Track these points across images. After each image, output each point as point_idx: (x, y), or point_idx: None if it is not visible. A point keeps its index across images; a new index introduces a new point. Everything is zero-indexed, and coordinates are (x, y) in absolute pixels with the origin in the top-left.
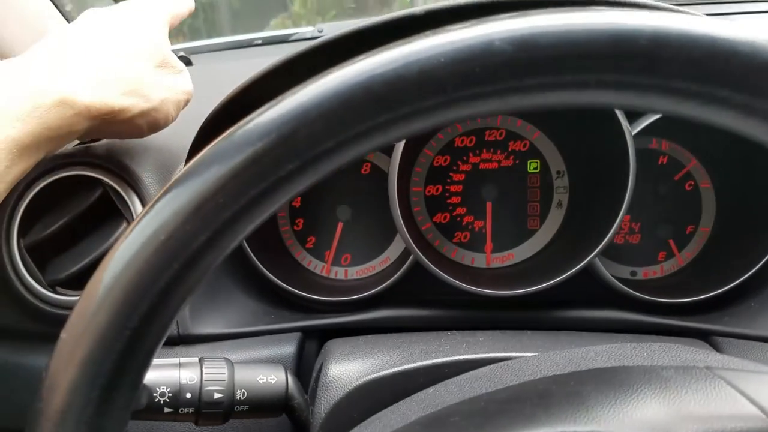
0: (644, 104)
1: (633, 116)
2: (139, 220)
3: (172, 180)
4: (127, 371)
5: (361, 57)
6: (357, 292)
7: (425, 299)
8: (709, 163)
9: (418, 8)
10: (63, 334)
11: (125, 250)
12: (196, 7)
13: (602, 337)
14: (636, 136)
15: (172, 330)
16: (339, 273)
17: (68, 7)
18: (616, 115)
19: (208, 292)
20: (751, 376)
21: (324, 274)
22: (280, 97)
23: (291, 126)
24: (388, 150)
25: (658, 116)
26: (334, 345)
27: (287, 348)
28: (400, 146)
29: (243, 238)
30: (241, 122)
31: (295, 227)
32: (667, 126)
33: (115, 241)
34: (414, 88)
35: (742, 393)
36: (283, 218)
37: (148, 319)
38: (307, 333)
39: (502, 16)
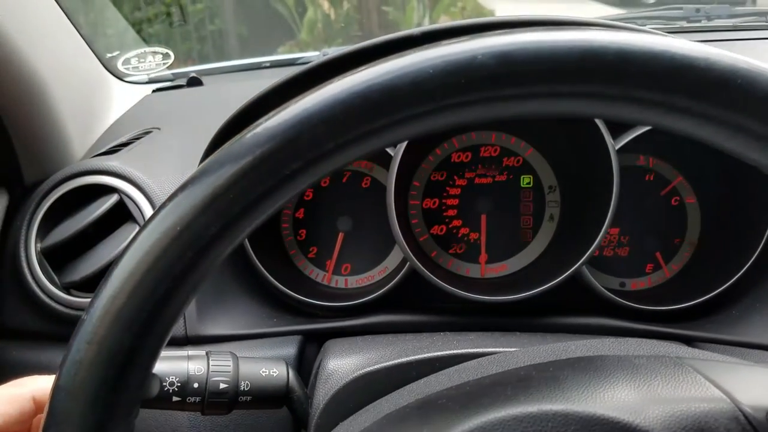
0: (613, 113)
1: (617, 132)
2: (158, 213)
3: (189, 177)
4: (143, 352)
5: (359, 69)
6: (356, 298)
7: (421, 306)
8: (694, 179)
9: (416, 29)
10: (84, 315)
11: (145, 240)
12: (205, 35)
13: (588, 338)
14: (623, 153)
15: (181, 330)
16: (339, 282)
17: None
18: (601, 132)
19: (215, 295)
20: (719, 365)
21: (325, 282)
22: (286, 104)
23: (295, 130)
24: (387, 164)
25: (639, 132)
26: (333, 343)
27: (289, 349)
28: (397, 160)
29: (250, 231)
30: (251, 126)
31: (299, 237)
32: (654, 143)
33: (130, 245)
34: (407, 96)
35: (709, 379)
36: (287, 229)
37: (163, 303)
38: (308, 336)
39: (487, 33)
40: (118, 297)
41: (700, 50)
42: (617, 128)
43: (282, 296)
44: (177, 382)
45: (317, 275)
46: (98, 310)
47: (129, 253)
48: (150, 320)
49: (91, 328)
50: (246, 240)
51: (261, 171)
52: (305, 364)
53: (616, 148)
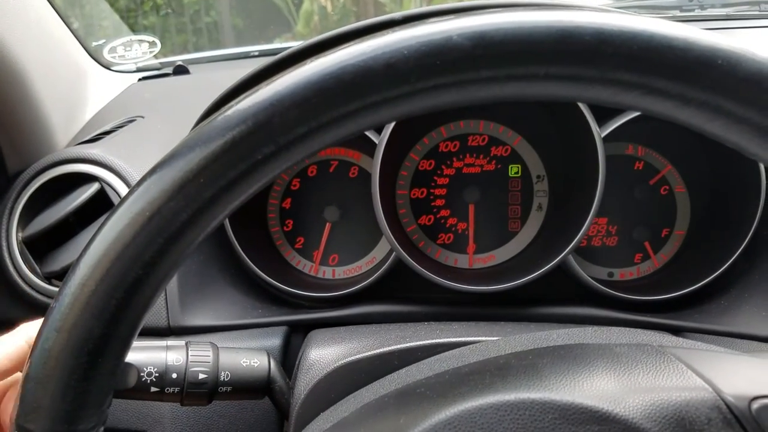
0: (591, 95)
1: (603, 120)
2: (127, 198)
3: (159, 161)
4: (114, 340)
5: (333, 50)
6: (342, 289)
7: (408, 296)
8: (683, 168)
9: (398, 13)
10: (53, 303)
11: (114, 225)
12: (200, 27)
13: (570, 327)
14: (611, 142)
15: (163, 321)
16: (327, 272)
17: (75, 26)
18: (587, 120)
19: (199, 286)
20: (701, 354)
21: (312, 273)
22: (258, 86)
23: (267, 113)
24: (361, 148)
25: (626, 119)
26: (316, 333)
27: (273, 340)
28: (382, 148)
29: (224, 218)
30: (222, 109)
31: (285, 228)
32: (643, 132)
33: (99, 230)
34: (381, 78)
35: (691, 367)
36: (273, 219)
37: (134, 291)
38: (293, 327)
39: (463, 14)
40: (87, 284)
41: (680, 30)
42: (604, 116)
43: (267, 287)
44: (155, 372)
45: (304, 266)
46: (67, 298)
47: (98, 239)
48: (120, 308)
49: (60, 315)
50: (231, 230)
51: (232, 155)
52: (291, 355)
53: (603, 135)
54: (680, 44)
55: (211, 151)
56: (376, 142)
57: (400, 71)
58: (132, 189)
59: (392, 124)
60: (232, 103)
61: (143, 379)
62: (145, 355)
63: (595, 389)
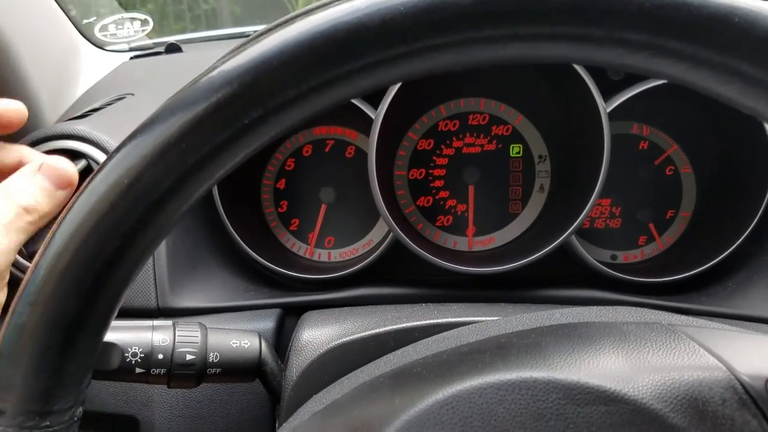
0: (599, 57)
1: (608, 95)
2: (105, 165)
3: (138, 126)
4: (92, 315)
5: (324, 8)
6: (338, 271)
7: (406, 279)
8: (689, 148)
9: None
10: (27, 276)
11: (91, 194)
12: (199, 14)
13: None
14: (616, 121)
15: (152, 302)
16: (322, 255)
17: (73, 12)
18: (593, 96)
19: (188, 266)
20: (714, 332)
21: (307, 256)
22: (243, 46)
23: (253, 74)
24: (357, 127)
25: (632, 93)
26: (310, 315)
27: (267, 323)
28: (378, 124)
29: (209, 187)
30: (206, 70)
31: (279, 209)
32: (649, 111)
33: (76, 198)
34: (376, 36)
35: (704, 346)
36: (267, 200)
37: (114, 263)
38: (287, 309)
39: None
40: (63, 255)
41: None
42: (608, 91)
43: (260, 268)
44: (140, 353)
45: (299, 248)
46: (42, 270)
47: (74, 208)
48: (99, 281)
49: (35, 288)
50: (222, 210)
51: (216, 119)
52: (284, 339)
53: (608, 110)
54: (694, 0)
55: (194, 114)
56: (372, 117)
57: (397, 28)
58: (110, 155)
59: (388, 100)
60: (216, 63)
61: (128, 360)
62: (130, 335)
63: (601, 368)
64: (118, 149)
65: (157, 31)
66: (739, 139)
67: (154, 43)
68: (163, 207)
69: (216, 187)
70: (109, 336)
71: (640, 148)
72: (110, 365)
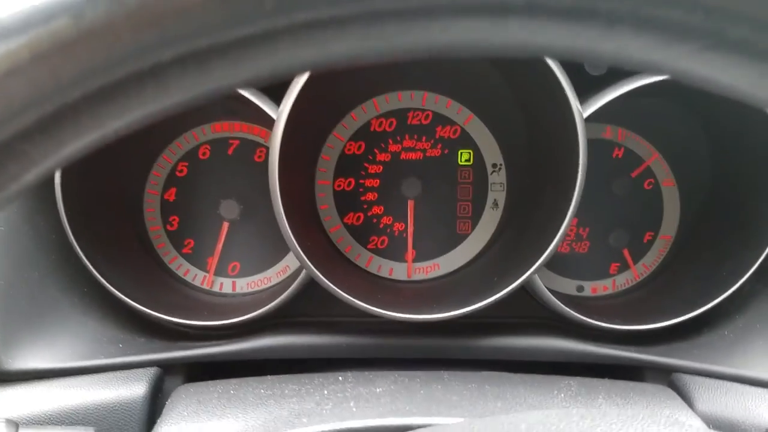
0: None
1: (585, 96)
2: None
3: None
4: None
5: None
6: (242, 313)
7: (326, 322)
8: (673, 157)
9: None
10: None
11: None
12: None
13: (536, 381)
14: (587, 122)
15: None
16: (225, 285)
17: None
18: (564, 93)
19: (32, 314)
20: None
21: (205, 286)
22: None
23: None
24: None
25: (614, 96)
26: (183, 393)
27: (137, 388)
28: (282, 123)
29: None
30: None
31: (168, 227)
32: (625, 111)
33: None
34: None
35: None
36: (153, 215)
37: None
38: (166, 368)
39: None
40: None
41: None
42: (585, 91)
43: (133, 311)
44: None
45: (194, 276)
46: None
47: None
48: None
49: None
50: (69, 228)
51: None
52: (161, 406)
53: (585, 115)
54: None
55: None
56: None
57: None
58: None
59: (296, 90)
60: None
61: None
62: None
63: None
64: None
65: None
66: (736, 146)
67: None
68: None
69: (61, 196)
70: None
71: (614, 156)
72: None
